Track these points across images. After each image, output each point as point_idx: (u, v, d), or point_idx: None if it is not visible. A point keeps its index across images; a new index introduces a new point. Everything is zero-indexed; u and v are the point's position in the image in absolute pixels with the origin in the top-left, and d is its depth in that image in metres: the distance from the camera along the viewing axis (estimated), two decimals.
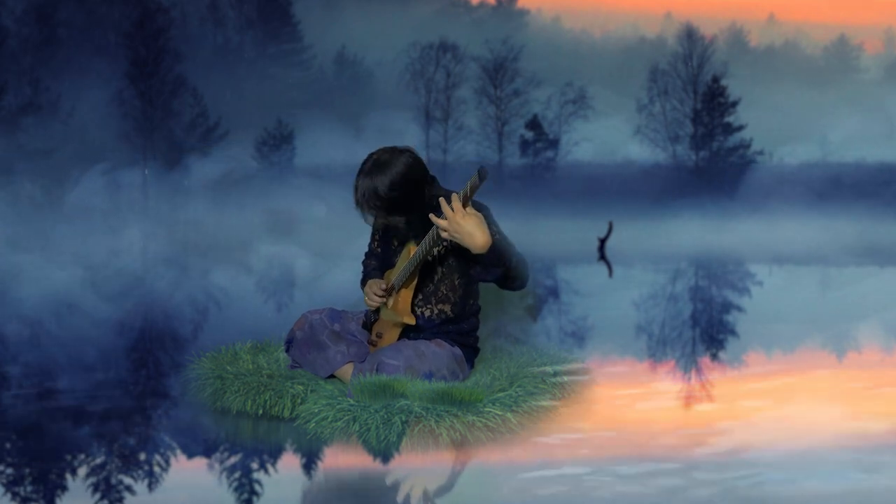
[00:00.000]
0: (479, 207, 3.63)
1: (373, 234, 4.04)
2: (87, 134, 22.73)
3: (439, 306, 3.78)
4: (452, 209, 3.33)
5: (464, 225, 3.33)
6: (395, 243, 3.90)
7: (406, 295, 3.74)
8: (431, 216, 3.40)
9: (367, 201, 3.64)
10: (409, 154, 3.69)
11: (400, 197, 3.62)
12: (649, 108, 27.29)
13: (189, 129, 25.67)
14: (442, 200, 3.34)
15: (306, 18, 28.58)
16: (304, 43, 29.08)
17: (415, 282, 3.72)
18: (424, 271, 3.76)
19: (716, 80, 26.88)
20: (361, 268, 4.10)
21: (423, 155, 3.89)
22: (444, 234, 3.37)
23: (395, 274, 3.80)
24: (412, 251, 3.67)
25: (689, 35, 27.20)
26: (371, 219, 3.73)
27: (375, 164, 3.66)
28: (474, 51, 27.10)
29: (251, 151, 26.01)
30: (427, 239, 3.54)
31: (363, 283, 3.99)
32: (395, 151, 3.69)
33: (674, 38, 28.12)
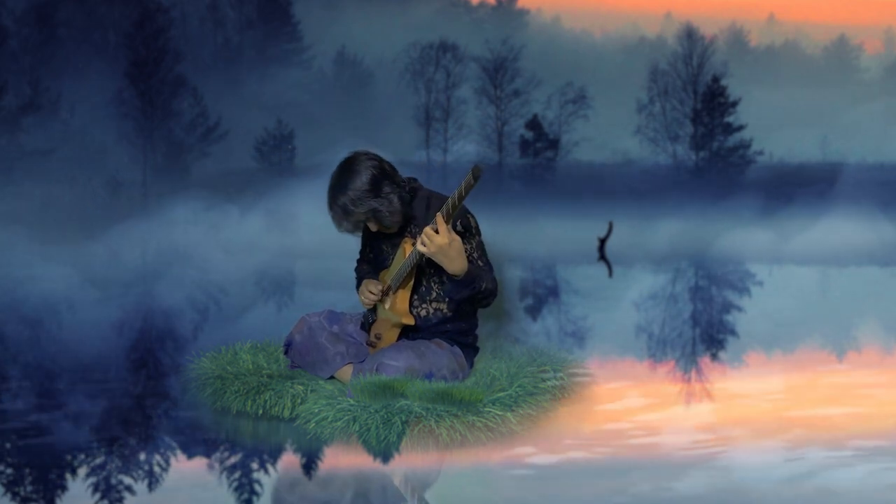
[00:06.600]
0: (466, 215, 3.68)
1: (364, 241, 4.06)
2: (87, 134, 22.69)
3: (434, 305, 3.79)
4: (436, 230, 3.38)
5: (444, 248, 3.40)
6: (387, 248, 3.91)
7: (404, 295, 3.74)
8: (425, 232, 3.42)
9: (345, 214, 3.68)
10: (365, 157, 3.72)
11: (372, 199, 3.66)
12: (649, 108, 27.23)
13: (189, 129, 25.63)
14: (427, 229, 3.40)
15: (306, 18, 28.56)
16: (304, 43, 29.07)
17: (412, 282, 3.73)
18: (417, 272, 3.77)
19: (716, 80, 26.83)
20: (355, 274, 4.11)
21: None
22: (422, 250, 3.41)
23: (391, 274, 3.81)
24: (407, 251, 3.68)
25: (689, 35, 27.16)
26: (353, 226, 3.75)
27: (339, 180, 3.69)
28: (474, 51, 27.02)
29: (251, 151, 26.00)
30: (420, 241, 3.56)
31: (358, 286, 4.01)
32: (351, 161, 3.72)
33: (674, 38, 28.06)
